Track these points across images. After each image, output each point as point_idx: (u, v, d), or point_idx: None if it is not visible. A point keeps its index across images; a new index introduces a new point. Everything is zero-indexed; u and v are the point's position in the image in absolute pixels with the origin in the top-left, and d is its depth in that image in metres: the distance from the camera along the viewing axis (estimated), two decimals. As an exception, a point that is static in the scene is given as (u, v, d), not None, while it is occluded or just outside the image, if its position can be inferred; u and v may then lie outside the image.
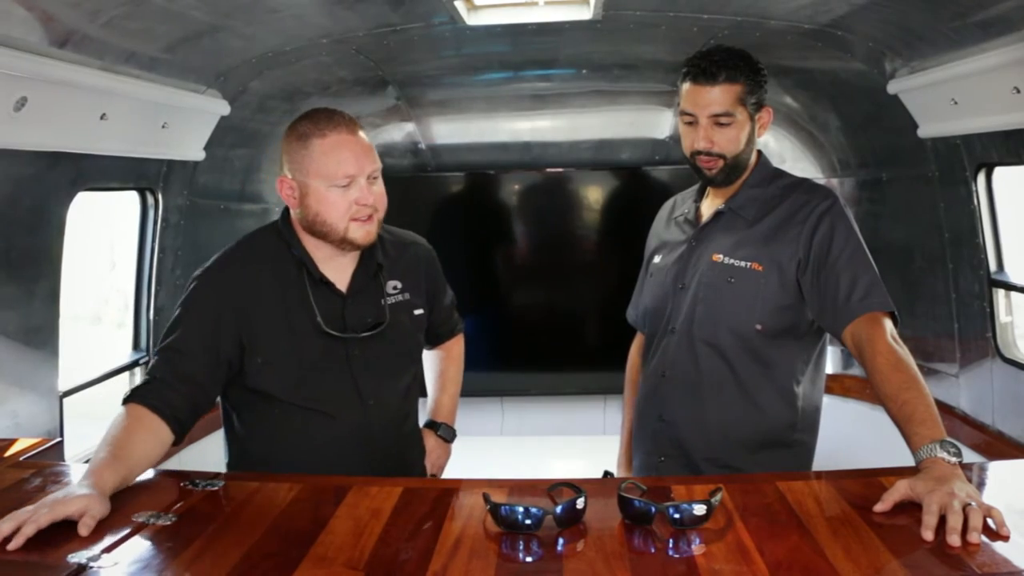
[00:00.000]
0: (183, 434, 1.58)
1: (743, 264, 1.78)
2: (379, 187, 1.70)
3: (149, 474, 1.57)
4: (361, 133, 1.68)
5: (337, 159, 1.63)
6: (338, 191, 1.64)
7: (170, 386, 1.57)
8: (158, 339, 2.89)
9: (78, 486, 1.32)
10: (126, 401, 1.56)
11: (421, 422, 1.97)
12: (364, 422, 1.72)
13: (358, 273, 1.75)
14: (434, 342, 2.04)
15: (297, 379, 1.67)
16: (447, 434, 2.01)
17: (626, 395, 2.16)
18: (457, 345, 2.10)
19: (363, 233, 1.67)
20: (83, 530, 1.24)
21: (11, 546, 1.19)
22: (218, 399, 1.76)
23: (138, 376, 2.89)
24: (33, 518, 1.23)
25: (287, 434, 1.69)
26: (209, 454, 3.07)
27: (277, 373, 1.66)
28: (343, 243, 1.68)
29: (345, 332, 1.69)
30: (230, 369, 1.66)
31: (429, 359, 2.06)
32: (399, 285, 1.81)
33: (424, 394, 2.00)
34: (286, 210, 1.77)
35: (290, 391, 1.67)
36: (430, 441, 1.97)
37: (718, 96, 1.75)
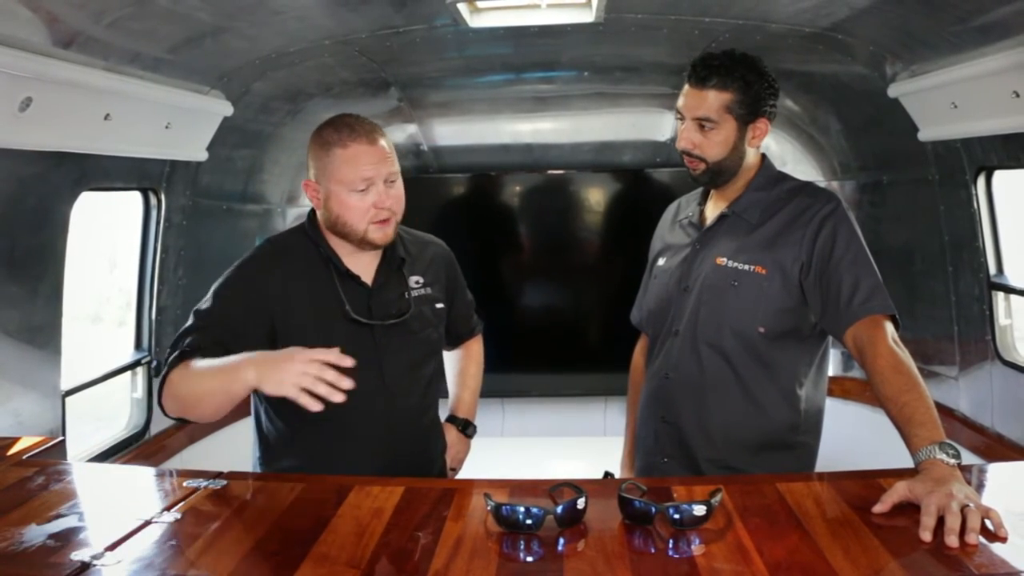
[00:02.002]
0: None
1: (746, 267, 1.79)
2: (396, 189, 1.77)
3: (151, 473, 1.58)
4: (382, 141, 1.76)
5: (355, 167, 1.72)
6: (357, 195, 1.72)
7: (210, 352, 1.61)
8: (160, 339, 2.94)
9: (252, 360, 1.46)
10: (173, 364, 1.61)
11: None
12: (388, 411, 1.78)
13: (381, 267, 1.83)
14: (455, 342, 2.11)
15: None
16: (468, 429, 2.09)
17: (629, 397, 2.16)
18: (476, 344, 2.19)
19: (381, 235, 1.76)
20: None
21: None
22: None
23: (140, 375, 2.90)
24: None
25: (315, 424, 1.69)
26: (212, 453, 3.08)
27: None
28: (363, 243, 1.77)
29: (372, 319, 1.77)
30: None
31: (450, 359, 2.14)
32: (421, 280, 1.89)
33: (446, 394, 2.08)
34: (312, 212, 1.85)
35: None
36: (451, 435, 2.04)
37: (703, 101, 1.77)
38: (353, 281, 1.79)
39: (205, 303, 1.72)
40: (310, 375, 1.40)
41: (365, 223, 1.73)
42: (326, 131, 1.76)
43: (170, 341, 1.70)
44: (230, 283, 1.75)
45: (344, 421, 1.74)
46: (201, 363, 1.57)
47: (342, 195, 1.73)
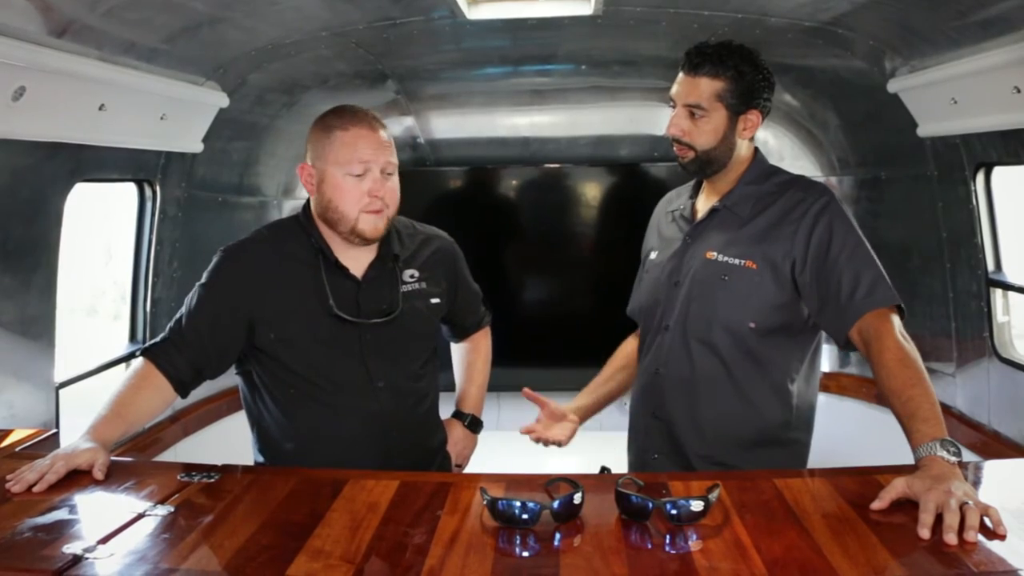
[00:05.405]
0: (187, 392, 1.76)
1: (737, 262, 1.78)
2: (393, 183, 1.76)
3: (145, 466, 1.57)
4: (383, 131, 1.76)
5: (354, 149, 1.71)
6: (352, 180, 1.71)
7: (178, 349, 1.73)
8: (155, 331, 2.92)
9: (82, 440, 1.51)
10: (142, 353, 1.75)
11: (444, 412, 2.01)
12: (374, 404, 1.77)
13: (375, 262, 1.81)
14: (460, 335, 2.09)
15: (309, 358, 1.74)
16: (473, 425, 2.08)
17: (611, 360, 2.11)
18: (484, 338, 2.15)
19: (371, 227, 1.74)
20: (99, 474, 1.43)
21: (36, 489, 1.38)
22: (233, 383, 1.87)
23: (134, 368, 2.89)
24: (53, 469, 1.41)
25: (304, 415, 1.75)
26: (206, 447, 3.08)
27: (290, 351, 1.74)
28: (352, 234, 1.75)
29: (358, 317, 1.75)
30: (235, 343, 1.75)
31: (457, 352, 2.13)
32: (416, 274, 1.86)
33: (451, 387, 2.08)
34: (308, 202, 1.84)
35: (303, 370, 1.74)
36: (457, 431, 2.03)
37: (695, 88, 1.77)
38: (341, 274, 1.77)
39: (192, 293, 1.78)
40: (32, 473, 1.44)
41: (357, 210, 1.72)
42: (328, 117, 1.76)
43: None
44: (209, 276, 1.78)
45: (336, 412, 1.75)
46: (120, 390, 1.67)
47: (337, 177, 1.71)
